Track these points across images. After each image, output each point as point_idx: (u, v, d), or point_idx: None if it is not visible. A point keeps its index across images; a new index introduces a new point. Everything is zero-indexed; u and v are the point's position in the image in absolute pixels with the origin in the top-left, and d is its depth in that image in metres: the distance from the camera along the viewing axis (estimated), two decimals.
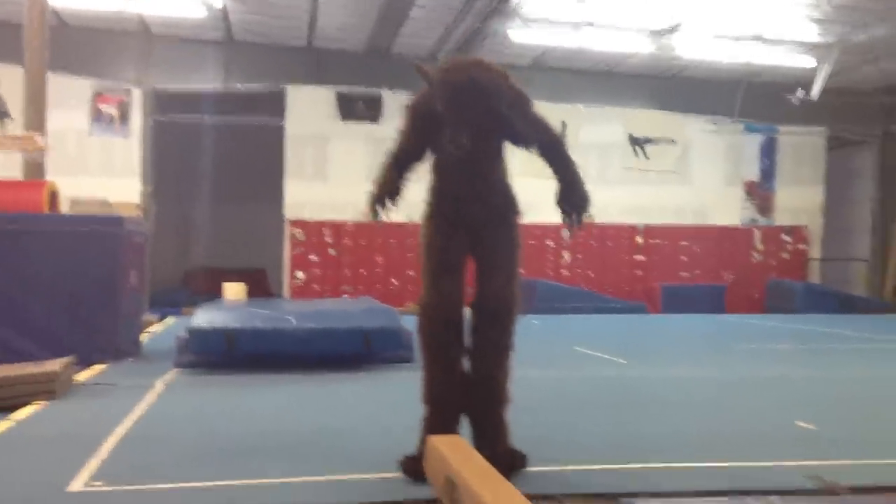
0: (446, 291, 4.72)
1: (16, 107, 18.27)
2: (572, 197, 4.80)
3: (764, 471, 4.99)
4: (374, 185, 4.88)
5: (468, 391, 4.73)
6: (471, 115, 4.56)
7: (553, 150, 4.85)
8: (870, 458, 5.34)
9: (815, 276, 23.35)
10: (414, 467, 4.62)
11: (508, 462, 4.62)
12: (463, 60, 4.87)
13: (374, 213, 4.84)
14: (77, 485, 4.55)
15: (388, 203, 4.82)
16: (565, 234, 5.23)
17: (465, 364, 4.77)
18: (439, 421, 4.70)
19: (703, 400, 7.73)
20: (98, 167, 19.73)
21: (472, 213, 4.76)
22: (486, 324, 4.73)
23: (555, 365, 9.28)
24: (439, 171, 4.88)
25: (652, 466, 5.07)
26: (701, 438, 5.94)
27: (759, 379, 9.08)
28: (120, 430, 5.94)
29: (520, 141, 4.86)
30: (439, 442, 4.37)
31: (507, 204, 4.90)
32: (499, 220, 4.83)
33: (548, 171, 5.39)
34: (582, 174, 4.84)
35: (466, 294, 4.78)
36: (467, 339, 4.75)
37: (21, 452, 5.36)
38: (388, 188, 4.82)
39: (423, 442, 4.61)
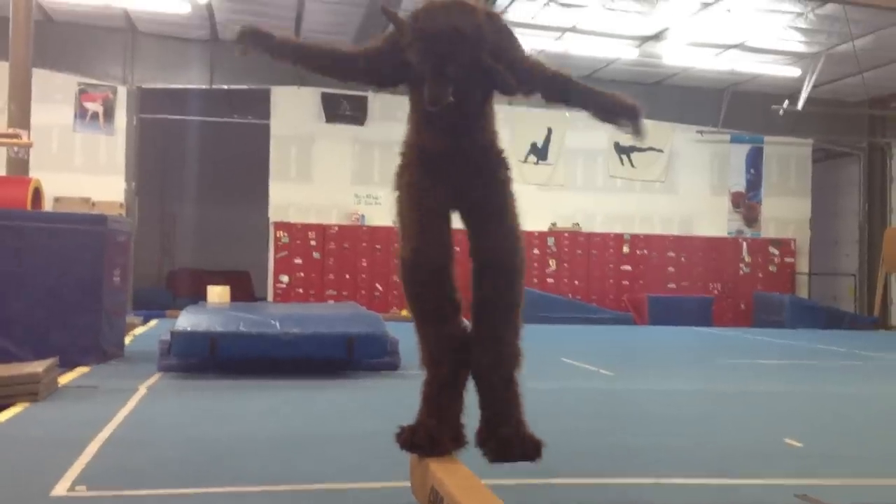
0: (431, 234, 4.15)
1: None
2: (617, 113, 4.25)
3: (753, 489, 4.96)
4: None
5: (472, 353, 4.18)
6: (453, 69, 3.91)
7: (559, 86, 4.26)
8: (857, 476, 5.31)
9: (802, 290, 23.39)
10: (409, 438, 4.15)
11: (532, 447, 4.11)
12: (440, 2, 4.03)
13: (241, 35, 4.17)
14: (60, 489, 4.49)
15: (258, 36, 4.16)
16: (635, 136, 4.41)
17: (465, 324, 4.23)
18: (440, 382, 4.22)
19: (690, 415, 7.69)
20: (82, 164, 19.60)
21: (455, 171, 4.20)
22: (486, 279, 4.19)
23: (541, 377, 9.20)
24: (416, 126, 4.29)
25: (639, 482, 5.01)
26: (689, 454, 5.90)
27: (747, 394, 9.07)
28: (103, 434, 5.86)
29: (511, 90, 4.21)
30: None
31: (495, 163, 4.31)
32: (486, 178, 4.27)
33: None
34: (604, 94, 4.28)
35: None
36: (468, 299, 4.22)
37: (4, 455, 5.28)
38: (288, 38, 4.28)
39: (422, 409, 4.20)
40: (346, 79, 4.55)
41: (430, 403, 4.21)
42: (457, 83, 3.93)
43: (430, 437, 4.12)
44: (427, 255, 4.12)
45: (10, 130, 11.76)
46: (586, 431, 6.60)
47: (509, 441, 4.12)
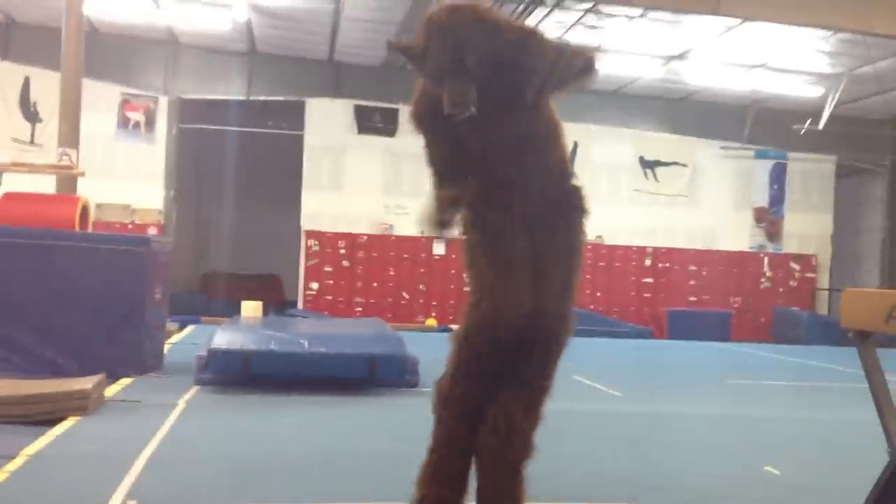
0: (516, 289, 3.64)
1: (45, 108, 19.06)
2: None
3: None
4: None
5: (483, 440, 3.84)
6: (473, 61, 3.47)
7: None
8: None
9: (822, 306, 23.70)
10: None
11: None
12: (449, 3, 3.71)
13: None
14: None
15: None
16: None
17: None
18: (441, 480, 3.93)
19: (684, 440, 8.18)
20: (123, 171, 20.41)
21: (522, 204, 3.75)
22: (525, 354, 3.81)
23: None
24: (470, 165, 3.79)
25: None
26: (669, 482, 6.32)
27: (745, 418, 9.53)
28: (148, 450, 6.51)
29: (536, 93, 3.67)
30: None
31: (563, 194, 3.89)
32: (553, 215, 3.83)
33: None
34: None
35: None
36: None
37: (60, 470, 5.91)
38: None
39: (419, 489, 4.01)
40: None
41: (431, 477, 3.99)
42: (483, 82, 3.51)
43: None
44: (509, 314, 3.66)
45: (60, 150, 12.47)
46: (575, 457, 6.92)
47: None
